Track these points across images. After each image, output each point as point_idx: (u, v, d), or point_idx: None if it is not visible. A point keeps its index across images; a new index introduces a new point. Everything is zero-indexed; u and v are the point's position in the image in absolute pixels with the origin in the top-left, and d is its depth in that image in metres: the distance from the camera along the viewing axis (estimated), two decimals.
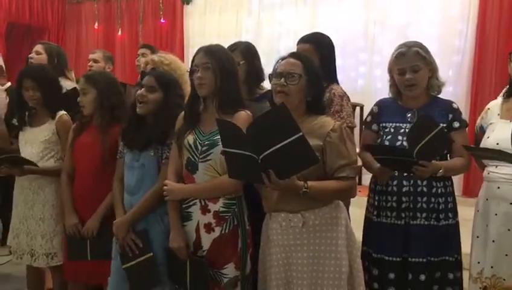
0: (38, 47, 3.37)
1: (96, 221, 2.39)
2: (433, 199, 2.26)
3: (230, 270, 2.02)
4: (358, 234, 2.24)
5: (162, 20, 7.37)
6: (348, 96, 2.51)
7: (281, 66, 1.97)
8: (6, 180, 2.86)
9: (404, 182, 2.26)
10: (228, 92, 2.01)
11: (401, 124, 2.31)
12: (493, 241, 2.23)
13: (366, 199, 2.48)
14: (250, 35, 6.47)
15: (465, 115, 2.69)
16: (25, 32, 7.61)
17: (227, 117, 1.98)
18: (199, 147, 2.02)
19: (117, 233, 2.21)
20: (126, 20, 7.66)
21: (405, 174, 2.24)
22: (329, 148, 1.90)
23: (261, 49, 2.73)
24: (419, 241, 2.24)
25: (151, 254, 2.15)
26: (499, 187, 2.22)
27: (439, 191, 2.27)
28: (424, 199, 2.25)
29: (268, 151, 1.64)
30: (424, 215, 2.25)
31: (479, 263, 2.29)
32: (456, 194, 2.39)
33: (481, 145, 2.29)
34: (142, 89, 2.20)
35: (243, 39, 2.66)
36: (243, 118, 1.98)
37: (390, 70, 2.36)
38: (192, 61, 2.07)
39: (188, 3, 7.21)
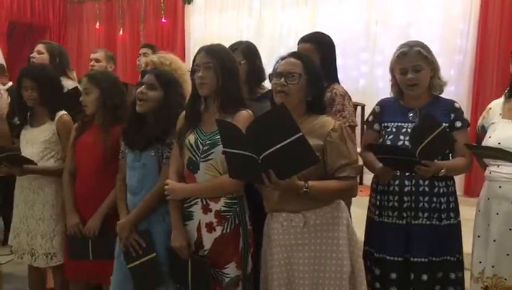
0: (40, 46, 3.37)
1: (97, 220, 2.39)
2: (435, 199, 2.26)
3: (231, 270, 2.02)
4: (360, 233, 2.24)
5: (163, 20, 7.37)
6: (349, 96, 2.51)
7: (281, 66, 1.97)
8: (7, 179, 2.87)
9: (406, 182, 2.26)
10: (229, 91, 2.01)
11: (402, 124, 2.31)
12: (494, 240, 2.23)
13: (367, 198, 2.48)
14: (251, 35, 6.47)
15: (467, 114, 2.69)
16: (26, 31, 7.61)
17: (229, 117, 1.98)
18: (200, 147, 2.02)
19: (120, 233, 2.22)
20: (127, 19, 7.66)
21: (407, 174, 2.24)
22: (329, 147, 1.89)
23: (262, 49, 2.73)
24: (421, 241, 2.24)
25: (155, 254, 2.16)
26: (500, 187, 2.22)
27: (441, 190, 2.27)
28: (426, 198, 2.25)
29: (269, 152, 1.64)
30: (426, 215, 2.25)
31: (480, 262, 2.30)
32: (457, 193, 2.38)
33: (483, 145, 2.29)
34: (142, 86, 2.21)
35: (244, 39, 2.66)
36: (244, 117, 1.98)
37: (392, 70, 2.35)
38: (194, 60, 2.07)
39: (189, 3, 7.21)
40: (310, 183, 1.83)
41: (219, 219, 2.01)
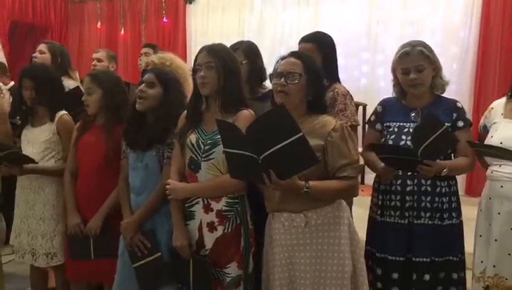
0: (42, 46, 3.37)
1: (99, 220, 2.39)
2: (437, 199, 2.25)
3: (233, 270, 2.02)
4: (362, 233, 2.23)
5: (164, 20, 7.37)
6: (351, 95, 2.50)
7: (281, 66, 1.97)
8: (8, 180, 2.87)
9: (408, 182, 2.26)
10: (231, 91, 2.01)
11: (404, 124, 2.31)
12: (496, 240, 2.23)
13: (368, 198, 2.48)
14: (253, 35, 6.47)
15: (468, 110, 2.69)
16: (28, 31, 7.62)
17: (230, 116, 1.99)
18: (202, 146, 2.02)
19: (125, 233, 2.22)
20: (129, 19, 7.66)
21: (409, 173, 2.24)
22: (330, 147, 1.89)
23: (264, 49, 2.74)
24: (423, 240, 2.24)
25: (160, 253, 2.16)
26: (502, 186, 2.22)
27: (443, 190, 2.27)
28: (428, 198, 2.25)
29: (269, 152, 1.64)
30: (428, 214, 2.25)
31: (482, 262, 2.29)
32: (459, 193, 2.38)
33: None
34: (142, 85, 2.21)
35: (245, 38, 2.66)
36: (245, 117, 1.98)
37: (394, 70, 2.35)
38: (195, 60, 2.06)
39: (190, 3, 7.21)
40: (311, 183, 1.83)
41: (220, 219, 2.02)
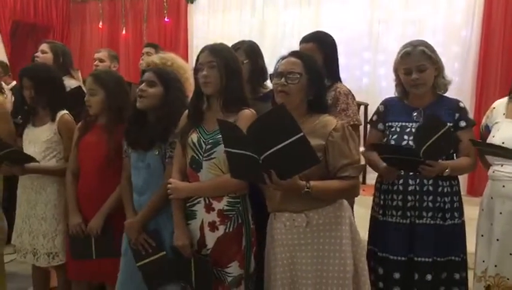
0: (44, 46, 3.37)
1: (100, 220, 2.39)
2: (439, 198, 2.25)
3: (234, 269, 2.02)
4: (363, 233, 2.23)
5: (166, 19, 7.38)
6: (352, 95, 2.50)
7: (281, 66, 1.97)
8: (10, 179, 2.87)
9: (410, 181, 2.26)
10: (233, 90, 2.01)
11: (407, 123, 2.31)
12: (497, 240, 2.22)
13: (370, 198, 2.48)
14: (254, 34, 6.47)
15: (470, 110, 2.68)
16: (29, 31, 7.64)
17: (232, 115, 1.99)
18: (203, 146, 2.03)
19: (129, 234, 2.22)
20: (130, 19, 7.67)
21: (411, 173, 2.24)
22: (331, 147, 1.89)
23: (265, 48, 2.73)
24: (425, 240, 2.24)
25: (164, 252, 2.17)
26: (504, 186, 2.22)
27: (445, 190, 2.27)
28: (430, 198, 2.24)
29: (269, 152, 1.64)
30: (430, 214, 2.25)
31: (483, 261, 2.29)
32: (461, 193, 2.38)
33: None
34: (142, 84, 2.21)
35: (247, 38, 2.65)
36: (246, 116, 1.98)
37: (395, 70, 2.35)
38: (197, 59, 2.06)
39: (192, 2, 7.21)
40: (312, 183, 1.83)
41: (222, 218, 2.02)
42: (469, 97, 5.48)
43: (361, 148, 2.52)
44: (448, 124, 2.17)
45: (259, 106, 2.16)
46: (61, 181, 2.59)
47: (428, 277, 2.24)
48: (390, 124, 2.37)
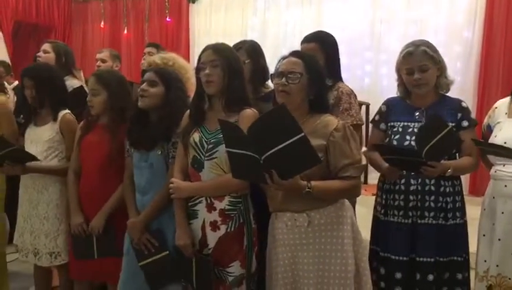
0: (46, 46, 3.38)
1: (101, 219, 2.39)
2: (441, 198, 2.25)
3: (235, 269, 2.02)
4: (365, 233, 2.23)
5: (167, 19, 7.39)
6: (354, 94, 2.50)
7: (282, 66, 1.96)
8: (12, 179, 2.88)
9: (412, 181, 2.26)
10: (235, 90, 2.01)
11: (409, 123, 2.31)
12: (499, 239, 2.22)
13: (372, 197, 2.48)
14: (256, 34, 6.48)
15: (472, 110, 2.68)
16: (31, 31, 7.65)
17: (234, 115, 1.99)
18: (205, 145, 2.03)
19: (131, 233, 2.22)
20: (132, 18, 7.68)
21: (413, 173, 2.23)
22: (332, 147, 1.89)
23: (267, 48, 2.73)
24: (427, 240, 2.24)
25: (168, 252, 2.17)
26: (506, 185, 2.22)
27: (448, 190, 2.26)
28: (432, 198, 2.24)
29: (270, 152, 1.64)
30: (431, 214, 2.24)
31: (485, 261, 2.29)
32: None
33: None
34: (144, 84, 2.21)
35: (249, 38, 2.66)
36: (248, 116, 1.98)
37: (398, 70, 2.35)
38: (199, 59, 2.06)
39: (193, 2, 7.22)
40: (313, 183, 1.82)
41: (223, 218, 2.02)
42: (471, 97, 5.48)
43: (364, 148, 2.53)
44: (451, 124, 2.16)
45: (261, 106, 2.17)
46: (63, 181, 2.59)
47: (430, 277, 2.24)
48: (392, 124, 2.37)
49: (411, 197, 2.26)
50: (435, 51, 2.27)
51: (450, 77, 2.33)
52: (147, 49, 4.37)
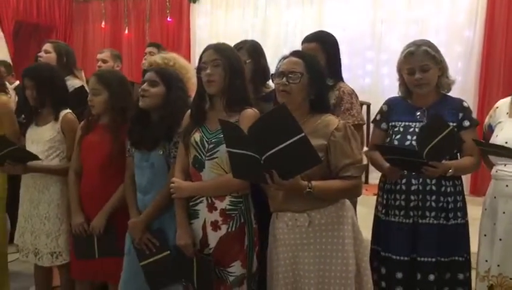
0: (48, 46, 3.38)
1: (102, 219, 2.39)
2: (442, 198, 2.25)
3: (236, 268, 2.02)
4: (366, 233, 2.23)
5: (168, 19, 7.38)
6: (356, 94, 2.50)
7: (283, 65, 1.97)
8: (13, 179, 2.88)
9: (413, 181, 2.25)
10: (236, 90, 2.01)
11: (410, 123, 2.31)
12: (500, 239, 2.22)
13: (373, 197, 2.49)
14: (257, 34, 6.47)
15: (473, 110, 2.67)
16: (32, 31, 7.65)
17: (235, 115, 1.99)
18: (206, 145, 2.03)
19: (132, 233, 2.22)
20: (133, 18, 7.68)
21: (414, 173, 2.23)
22: (333, 147, 1.89)
23: (267, 48, 2.73)
24: (428, 240, 2.24)
25: (169, 251, 2.17)
26: (507, 185, 2.22)
27: (449, 190, 2.26)
28: (433, 197, 2.24)
29: (271, 152, 1.64)
30: (433, 214, 2.24)
31: (486, 261, 2.29)
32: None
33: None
34: (144, 84, 2.21)
35: (249, 38, 2.66)
36: (249, 115, 1.98)
37: (399, 70, 2.35)
38: (200, 58, 2.06)
39: (194, 2, 7.22)
40: (313, 183, 1.82)
41: (224, 218, 2.02)
42: (472, 97, 5.47)
43: (365, 148, 2.53)
44: (452, 124, 2.16)
45: (262, 106, 2.17)
46: (64, 180, 2.60)
47: (431, 277, 2.23)
48: (393, 123, 2.37)
49: (412, 197, 2.26)
50: (437, 50, 2.27)
51: (451, 76, 2.33)
52: (148, 49, 4.37)
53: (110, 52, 3.98)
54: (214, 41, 2.12)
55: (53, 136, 2.62)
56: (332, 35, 2.59)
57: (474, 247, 2.37)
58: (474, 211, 2.46)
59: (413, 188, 2.26)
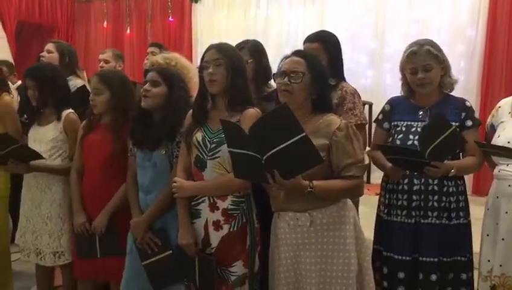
0: (50, 46, 3.38)
1: (104, 218, 2.40)
2: (444, 198, 2.24)
3: (238, 268, 2.03)
4: (368, 232, 2.23)
5: (170, 19, 7.39)
6: (358, 94, 2.50)
7: (284, 65, 1.97)
8: (15, 178, 2.89)
9: (415, 181, 2.25)
10: (238, 89, 2.01)
11: (412, 123, 2.30)
12: (503, 239, 2.22)
13: (374, 197, 2.49)
14: (258, 34, 6.47)
15: (475, 109, 2.67)
16: (34, 31, 7.66)
17: (236, 114, 1.99)
18: (208, 145, 2.03)
19: (135, 233, 2.22)
20: (135, 18, 7.68)
21: (416, 173, 2.23)
22: (335, 147, 1.89)
23: (269, 48, 2.73)
24: (430, 240, 2.23)
25: (171, 251, 2.17)
26: (509, 185, 2.21)
27: (451, 190, 2.26)
28: (436, 197, 2.24)
29: (272, 152, 1.64)
30: (435, 214, 2.24)
31: (489, 261, 2.29)
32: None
33: (492, 143, 2.27)
34: (146, 84, 2.22)
35: (251, 37, 2.66)
36: (251, 115, 1.98)
37: (402, 69, 2.34)
38: (202, 58, 2.07)
39: (196, 2, 7.22)
40: (315, 183, 1.82)
41: (226, 217, 2.02)
42: (474, 96, 5.46)
43: (368, 148, 2.52)
44: (455, 124, 2.16)
45: (264, 106, 2.17)
46: (66, 180, 2.60)
47: (433, 277, 2.23)
48: (396, 123, 2.36)
49: (414, 197, 2.25)
50: (439, 50, 2.26)
51: (454, 76, 2.33)
52: (150, 49, 4.37)
53: (112, 53, 3.99)
54: (216, 41, 2.12)
55: (55, 136, 2.62)
56: (334, 35, 2.59)
57: (476, 247, 2.37)
58: (477, 211, 2.46)
59: (415, 188, 2.25)
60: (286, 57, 2.00)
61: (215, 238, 2.04)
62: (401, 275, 2.28)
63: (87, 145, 2.49)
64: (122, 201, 2.38)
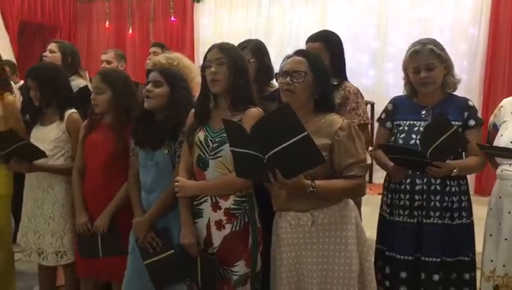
0: (52, 46, 3.39)
1: (106, 218, 2.40)
2: (446, 198, 2.24)
3: (240, 268, 2.02)
4: (370, 232, 2.23)
5: (172, 18, 7.40)
6: (361, 93, 2.50)
7: (286, 65, 1.96)
8: (18, 177, 2.89)
9: (418, 181, 2.25)
10: (240, 89, 2.01)
11: (415, 122, 2.30)
12: (506, 239, 2.21)
13: (376, 197, 2.48)
14: (260, 33, 6.47)
15: (478, 108, 2.66)
16: (37, 30, 7.68)
17: (239, 114, 1.99)
18: (210, 144, 2.03)
19: (137, 232, 2.23)
20: (137, 18, 7.70)
21: (418, 173, 2.23)
22: (337, 146, 1.88)
23: (271, 47, 2.73)
24: (432, 240, 2.23)
25: (173, 251, 2.17)
26: None
27: (453, 189, 2.26)
28: (438, 197, 2.23)
29: (274, 151, 1.64)
30: (437, 214, 2.23)
31: (491, 261, 2.28)
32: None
33: (494, 144, 2.27)
34: (149, 84, 2.22)
35: (253, 37, 2.66)
36: (253, 115, 1.97)
37: (404, 69, 2.34)
38: (205, 57, 2.07)
39: (198, 1, 7.23)
40: (317, 182, 1.82)
41: (228, 217, 2.02)
42: (477, 95, 5.46)
43: (371, 148, 2.52)
44: (457, 123, 2.15)
45: (266, 105, 2.17)
46: (68, 180, 2.60)
47: (436, 277, 2.23)
48: (398, 122, 2.36)
49: (416, 197, 2.25)
50: (442, 49, 2.26)
51: (457, 75, 2.32)
52: (152, 49, 4.37)
53: (114, 53, 3.99)
54: (218, 41, 2.12)
55: (58, 136, 2.62)
56: (337, 35, 2.59)
57: (479, 247, 2.36)
58: (479, 211, 2.45)
59: (417, 187, 2.25)
60: (288, 57, 2.00)
61: (217, 237, 2.04)
62: (403, 274, 2.28)
63: (88, 145, 2.49)
64: (124, 200, 2.38)
